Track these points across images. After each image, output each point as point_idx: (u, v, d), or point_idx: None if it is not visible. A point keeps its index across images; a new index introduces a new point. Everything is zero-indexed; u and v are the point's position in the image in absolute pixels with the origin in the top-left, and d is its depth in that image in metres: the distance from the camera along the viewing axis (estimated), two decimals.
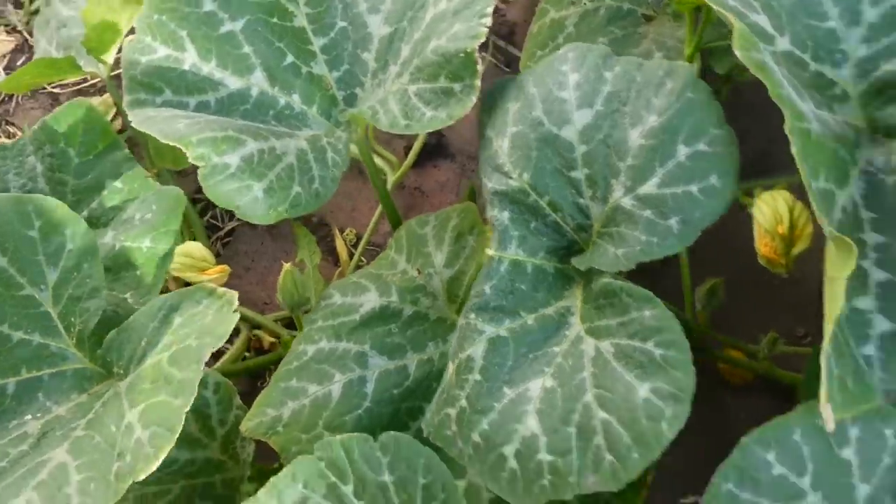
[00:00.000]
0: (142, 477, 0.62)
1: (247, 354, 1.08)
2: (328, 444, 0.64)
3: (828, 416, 0.56)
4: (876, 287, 0.68)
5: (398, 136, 1.18)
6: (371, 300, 0.81)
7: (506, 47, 1.21)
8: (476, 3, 0.71)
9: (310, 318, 0.85)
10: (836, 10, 0.72)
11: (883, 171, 0.72)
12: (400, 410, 0.77)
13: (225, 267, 0.94)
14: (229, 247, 1.16)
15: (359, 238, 1.12)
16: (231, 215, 1.19)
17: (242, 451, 0.82)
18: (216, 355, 1.07)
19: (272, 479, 0.64)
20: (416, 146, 1.12)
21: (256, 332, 1.08)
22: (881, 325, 0.66)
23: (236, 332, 1.08)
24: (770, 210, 0.82)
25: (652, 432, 0.55)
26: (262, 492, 0.64)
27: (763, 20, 0.72)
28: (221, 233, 1.18)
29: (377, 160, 1.13)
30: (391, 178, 1.11)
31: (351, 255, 1.10)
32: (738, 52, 0.58)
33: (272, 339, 1.06)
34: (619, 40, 0.98)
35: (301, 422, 0.77)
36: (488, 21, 0.69)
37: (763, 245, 0.82)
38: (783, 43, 0.72)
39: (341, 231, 1.13)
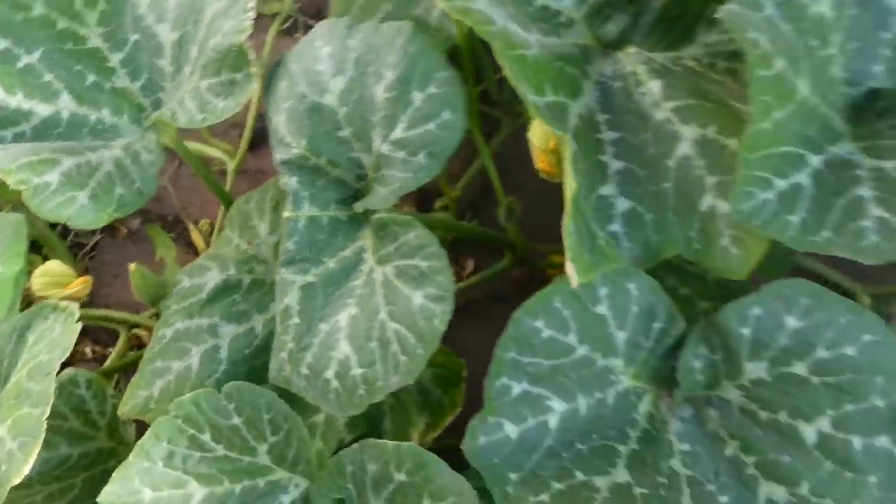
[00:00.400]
0: (17, 481, 0.71)
1: (131, 353, 1.16)
2: (180, 403, 0.74)
3: (572, 274, 0.69)
4: (615, 175, 0.81)
5: (233, 126, 1.27)
6: (213, 277, 0.91)
7: None
8: (239, 1, 0.80)
9: (165, 305, 0.94)
10: None
11: (612, 78, 0.85)
12: (255, 367, 0.87)
13: (86, 278, 1.02)
14: (95, 259, 1.24)
15: (213, 227, 1.21)
16: (93, 230, 1.27)
17: (126, 433, 0.92)
18: (101, 359, 1.16)
19: (139, 443, 0.74)
20: (246, 133, 1.21)
21: (135, 331, 1.16)
22: (622, 205, 0.79)
23: (116, 335, 1.16)
24: (541, 130, 0.95)
25: (428, 330, 0.67)
26: (132, 455, 0.74)
27: None
28: (87, 248, 1.26)
29: (216, 151, 1.22)
30: (231, 166, 1.20)
31: (208, 244, 1.19)
32: (441, 5, 0.69)
33: (149, 334, 1.15)
34: (403, 3, 1.09)
35: (169, 396, 0.86)
36: (252, 15, 0.79)
37: (540, 161, 0.95)
38: None
39: (196, 223, 1.22)
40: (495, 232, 1.10)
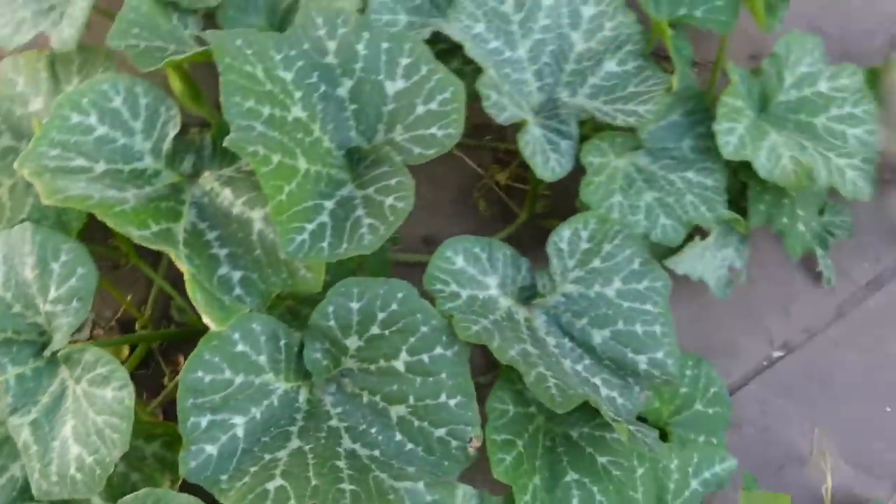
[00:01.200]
0: None
1: None
2: None
3: (210, 325, 1.03)
4: (225, 258, 1.14)
5: None
6: None
7: None
8: None
9: None
10: (137, 125, 1.19)
11: (201, 197, 1.21)
12: (26, 499, 1.13)
13: None
14: None
15: None
16: None
17: None
18: None
19: None
20: None
21: None
22: (236, 276, 1.14)
23: None
24: None
25: (123, 410, 0.99)
26: None
27: (100, 167, 1.16)
28: None
29: None
30: None
31: None
32: (45, 201, 1.01)
33: None
34: None
35: None
36: None
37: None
38: (100, 167, 1.17)
39: None
40: (186, 329, 1.42)
